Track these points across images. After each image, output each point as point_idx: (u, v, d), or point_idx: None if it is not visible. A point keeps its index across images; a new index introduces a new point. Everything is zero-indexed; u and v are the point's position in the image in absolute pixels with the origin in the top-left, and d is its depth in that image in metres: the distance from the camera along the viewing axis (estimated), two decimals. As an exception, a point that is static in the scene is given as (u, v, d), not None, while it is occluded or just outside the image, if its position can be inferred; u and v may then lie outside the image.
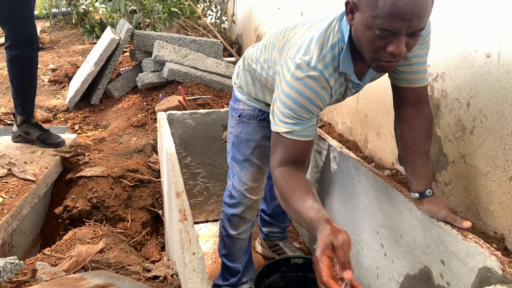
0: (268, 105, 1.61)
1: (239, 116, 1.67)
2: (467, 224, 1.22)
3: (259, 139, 1.67)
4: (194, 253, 1.06)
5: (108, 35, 3.65)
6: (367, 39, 1.07)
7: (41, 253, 1.37)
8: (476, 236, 1.20)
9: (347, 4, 1.11)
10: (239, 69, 1.66)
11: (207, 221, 2.83)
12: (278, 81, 1.25)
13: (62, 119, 3.31)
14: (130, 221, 2.04)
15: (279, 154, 1.25)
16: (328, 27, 1.22)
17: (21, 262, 1.22)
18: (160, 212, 2.33)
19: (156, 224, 2.36)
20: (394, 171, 2.14)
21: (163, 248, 2.19)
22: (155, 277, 1.28)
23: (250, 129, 1.66)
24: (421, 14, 1.00)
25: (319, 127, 2.71)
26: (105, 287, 1.00)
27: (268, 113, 1.61)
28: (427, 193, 1.32)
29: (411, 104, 1.38)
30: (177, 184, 1.50)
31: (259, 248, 2.39)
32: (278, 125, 1.24)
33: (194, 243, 1.10)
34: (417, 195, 1.34)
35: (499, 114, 1.46)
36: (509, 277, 1.04)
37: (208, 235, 2.65)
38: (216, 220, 2.83)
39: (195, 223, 2.80)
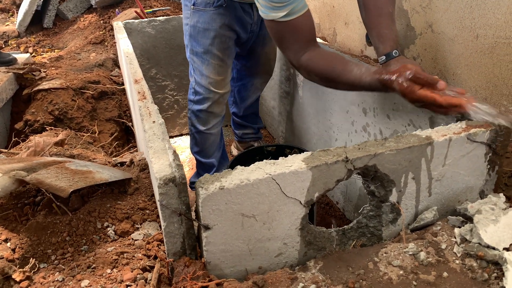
0: None
1: (193, 4, 1.56)
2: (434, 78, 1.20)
3: (217, 27, 1.57)
4: (154, 121, 1.01)
5: (51, -50, 3.31)
6: None
7: (-2, 153, 1.31)
8: (442, 89, 1.18)
9: None
10: None
11: (181, 135, 2.79)
12: None
13: (14, 45, 3.09)
14: (97, 132, 1.98)
15: (292, 44, 1.19)
16: None
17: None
18: (130, 124, 2.27)
19: (127, 137, 2.30)
20: (363, 57, 2.10)
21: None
22: (122, 164, 1.25)
23: (207, 17, 1.56)
24: None
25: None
26: (62, 162, 0.95)
27: None
28: (393, 54, 1.27)
29: None
30: (135, 74, 1.42)
31: (235, 151, 2.38)
32: (272, 12, 1.12)
33: (154, 114, 1.05)
34: (384, 58, 1.30)
35: (465, -30, 1.39)
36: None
37: (183, 147, 2.63)
38: (190, 133, 2.79)
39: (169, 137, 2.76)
